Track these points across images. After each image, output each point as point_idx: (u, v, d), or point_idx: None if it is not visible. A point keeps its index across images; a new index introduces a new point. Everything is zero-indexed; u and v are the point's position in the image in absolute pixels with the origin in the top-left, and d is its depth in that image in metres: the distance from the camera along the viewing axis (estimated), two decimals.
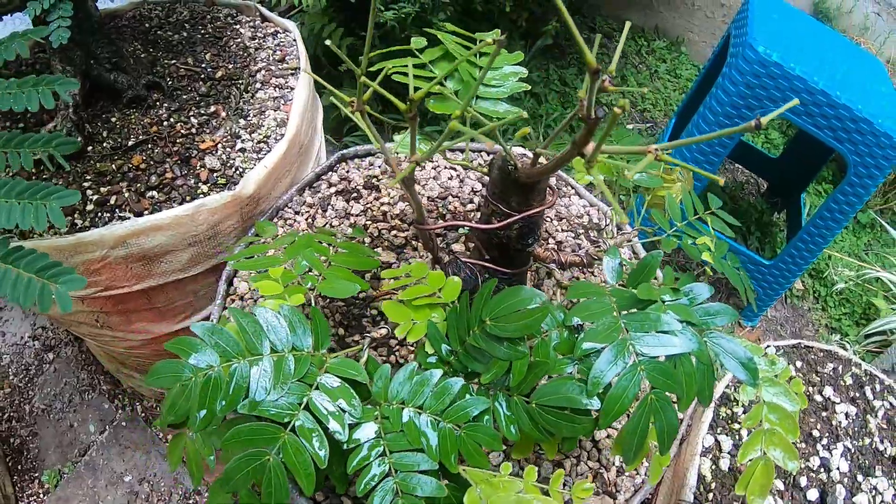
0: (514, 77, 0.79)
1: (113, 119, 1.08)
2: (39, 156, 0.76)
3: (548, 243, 0.88)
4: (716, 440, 0.89)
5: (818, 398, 0.95)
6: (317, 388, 0.59)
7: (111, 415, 1.46)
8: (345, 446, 0.58)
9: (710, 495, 0.86)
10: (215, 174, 1.02)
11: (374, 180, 1.08)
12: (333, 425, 0.57)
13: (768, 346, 1.00)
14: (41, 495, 1.34)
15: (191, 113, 1.10)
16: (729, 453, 0.88)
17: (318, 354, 0.63)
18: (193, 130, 1.07)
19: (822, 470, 0.86)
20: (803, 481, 0.85)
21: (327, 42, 0.57)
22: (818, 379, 0.96)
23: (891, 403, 0.95)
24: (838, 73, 1.20)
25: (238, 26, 1.30)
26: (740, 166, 1.89)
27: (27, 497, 1.34)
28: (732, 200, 1.80)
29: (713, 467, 0.86)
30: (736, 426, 0.91)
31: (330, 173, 1.09)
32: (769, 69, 1.16)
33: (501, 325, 0.57)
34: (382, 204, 1.02)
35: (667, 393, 0.55)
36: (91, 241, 0.88)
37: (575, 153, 0.51)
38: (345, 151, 1.13)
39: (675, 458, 0.93)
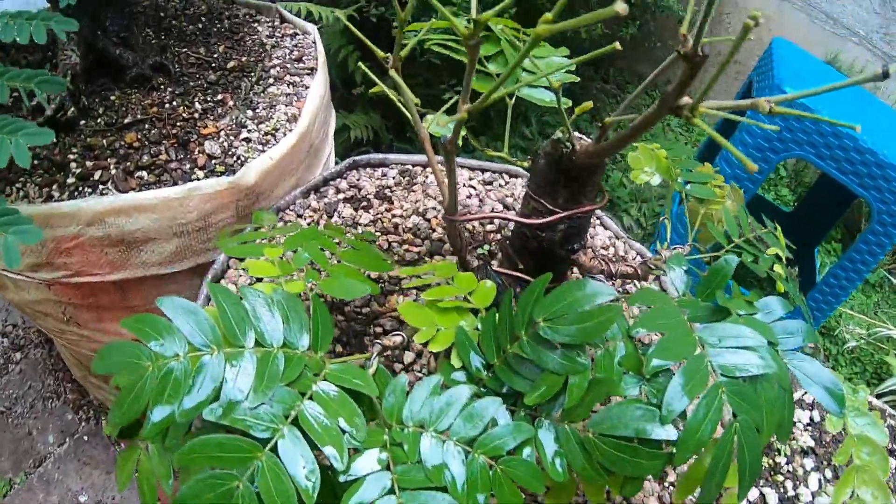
0: (561, 69, 0.67)
1: (112, 97, 0.95)
2: (19, 90, 0.61)
3: (595, 252, 0.73)
4: (760, 493, 0.73)
5: None
6: (311, 397, 0.43)
7: (73, 426, 1.26)
8: (341, 478, 0.41)
9: None
10: (214, 161, 0.87)
11: (387, 191, 0.95)
12: (329, 450, 0.41)
13: (804, 394, 0.85)
14: None
15: (196, 98, 0.96)
16: None
17: (315, 356, 0.47)
18: (196, 115, 0.94)
19: None
20: None
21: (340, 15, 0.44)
22: None
23: None
24: (862, 118, 1.11)
25: (256, 24, 1.18)
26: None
27: None
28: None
29: None
30: (780, 478, 0.75)
31: (339, 179, 0.95)
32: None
33: (558, 327, 0.42)
34: (394, 216, 0.88)
35: (751, 424, 0.41)
36: (65, 213, 0.73)
37: (667, 108, 0.38)
38: (357, 158, 0.99)
39: None
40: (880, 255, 1.15)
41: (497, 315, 0.47)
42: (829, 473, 0.76)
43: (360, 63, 0.62)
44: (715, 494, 0.42)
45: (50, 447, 1.22)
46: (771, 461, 0.77)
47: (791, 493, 0.73)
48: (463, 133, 0.61)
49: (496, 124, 1.80)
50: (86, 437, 1.24)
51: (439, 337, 0.49)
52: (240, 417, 0.41)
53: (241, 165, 0.86)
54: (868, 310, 1.54)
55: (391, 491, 0.41)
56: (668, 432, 0.41)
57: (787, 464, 0.77)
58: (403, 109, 0.54)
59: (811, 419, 0.83)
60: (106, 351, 0.42)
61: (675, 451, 0.42)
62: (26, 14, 0.64)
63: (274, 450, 0.40)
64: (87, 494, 1.17)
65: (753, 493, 0.73)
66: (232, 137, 0.91)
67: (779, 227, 0.67)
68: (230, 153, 0.89)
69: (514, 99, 0.65)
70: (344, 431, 0.43)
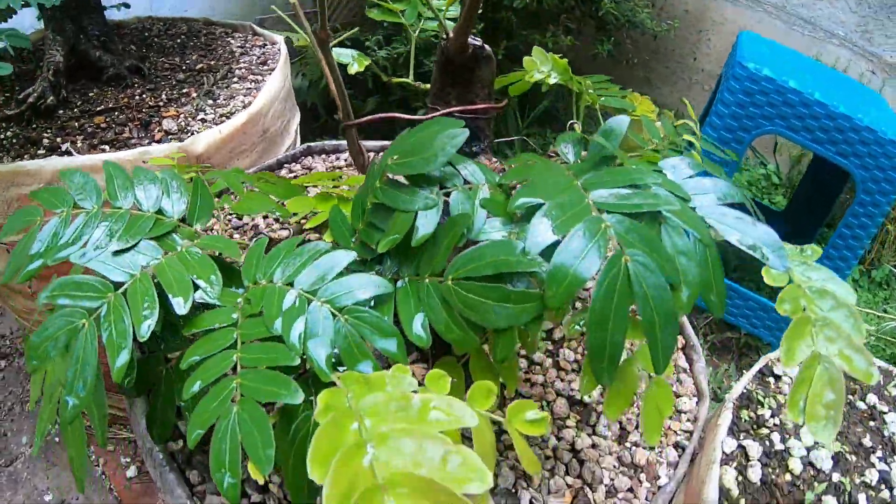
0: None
1: (90, 93, 1.03)
2: None
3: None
4: (740, 445, 0.65)
5: (861, 405, 0.72)
6: (177, 257, 0.42)
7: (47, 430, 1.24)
8: (181, 326, 0.39)
9: None
10: (170, 136, 0.92)
11: (336, 171, 0.97)
12: (177, 299, 0.40)
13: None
14: None
15: (163, 92, 1.03)
16: (759, 461, 0.63)
17: (190, 229, 0.46)
18: (161, 104, 1.00)
19: (882, 486, 0.61)
20: (862, 499, 0.60)
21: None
22: (857, 387, 0.73)
23: None
24: (834, 90, 1.08)
25: (230, 39, 1.28)
26: None
27: None
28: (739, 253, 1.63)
29: (739, 478, 0.61)
30: (764, 431, 0.67)
31: (293, 163, 0.99)
32: (761, 84, 1.06)
33: (405, 160, 0.40)
34: (342, 190, 0.89)
35: (653, 266, 0.35)
36: (29, 170, 0.80)
37: None
38: (312, 144, 1.04)
39: (688, 476, 0.68)
40: (871, 227, 1.08)
41: (365, 182, 0.46)
42: None
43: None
44: (611, 354, 0.36)
45: (22, 447, 1.21)
46: (752, 414, 0.69)
47: (779, 446, 0.65)
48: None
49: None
50: (57, 440, 1.23)
51: (317, 218, 0.48)
52: (101, 261, 0.41)
53: None
54: (876, 307, 1.42)
55: (233, 346, 0.39)
56: (539, 265, 0.36)
57: (771, 416, 0.69)
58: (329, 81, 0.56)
59: None
60: (13, 215, 0.44)
61: (545, 290, 0.36)
62: None
63: (125, 294, 0.40)
64: (53, 494, 1.15)
65: (730, 444, 0.65)
66: (190, 119, 0.96)
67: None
68: (186, 130, 0.93)
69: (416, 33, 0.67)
70: (198, 287, 0.41)
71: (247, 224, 0.84)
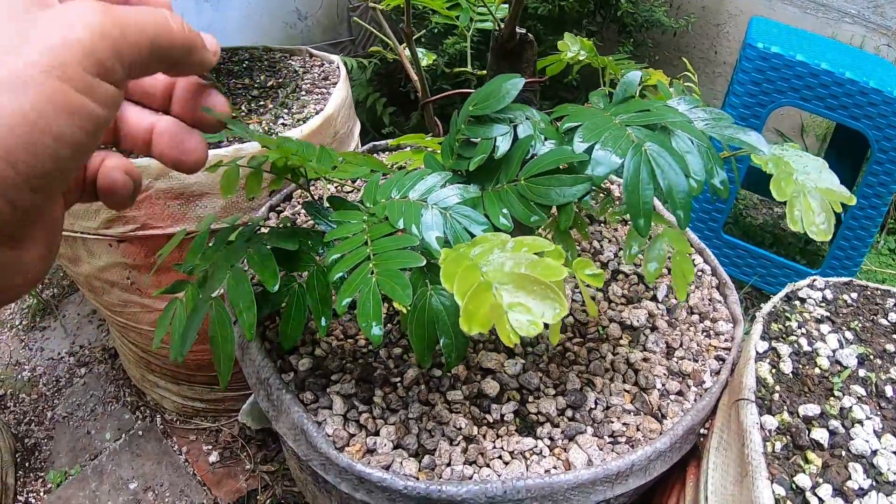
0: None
1: None
2: None
3: None
4: (772, 347, 0.82)
5: (884, 322, 0.87)
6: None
7: (129, 424, 1.46)
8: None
9: (776, 397, 0.78)
10: None
11: (399, 164, 1.20)
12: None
13: (815, 279, 0.94)
14: (41, 493, 1.31)
15: (242, 105, 1.29)
16: (790, 358, 0.81)
17: None
18: (243, 114, 1.25)
19: None
20: (889, 391, 0.76)
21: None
22: (878, 307, 0.89)
23: None
24: (840, 59, 1.28)
25: (290, 61, 1.54)
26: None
27: (27, 493, 1.31)
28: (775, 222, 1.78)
29: (773, 371, 0.79)
30: (792, 338, 0.84)
31: None
32: (771, 61, 1.26)
33: (481, 105, 0.62)
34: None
35: (666, 154, 0.54)
36: (140, 166, 1.01)
37: None
38: (376, 143, 1.26)
39: (729, 381, 0.85)
40: (891, 184, 1.24)
41: (449, 132, 0.67)
42: (849, 335, 0.81)
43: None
44: (646, 212, 0.52)
45: (106, 443, 1.42)
46: (781, 326, 0.85)
47: (807, 348, 0.79)
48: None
49: None
50: (140, 433, 1.44)
51: (414, 163, 0.70)
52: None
53: None
54: None
55: (365, 244, 0.59)
56: (579, 154, 0.55)
57: (798, 328, 0.85)
58: (409, 70, 0.79)
59: (824, 297, 0.90)
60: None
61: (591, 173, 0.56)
62: None
63: None
64: (137, 482, 1.34)
65: (763, 346, 0.82)
66: (271, 124, 1.21)
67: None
68: (270, 133, 1.18)
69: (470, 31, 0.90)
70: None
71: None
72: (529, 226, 0.59)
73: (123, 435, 1.43)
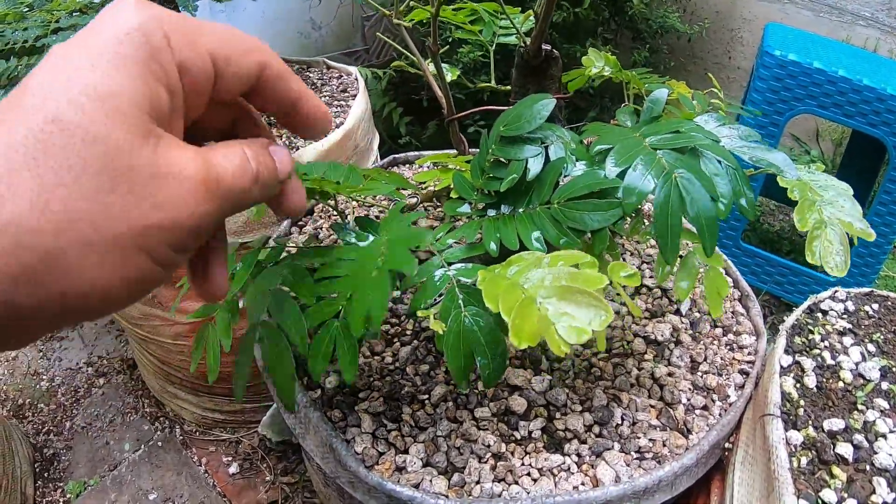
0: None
1: None
2: None
3: None
4: (795, 361, 0.84)
5: None
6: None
7: (149, 435, 1.49)
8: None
9: (800, 412, 0.79)
10: None
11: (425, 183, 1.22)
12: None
13: (837, 290, 0.95)
14: (60, 503, 1.34)
15: (262, 118, 1.32)
16: (813, 372, 0.82)
17: None
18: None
19: None
20: None
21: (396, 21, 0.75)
22: None
23: None
24: (858, 65, 1.29)
25: (308, 73, 1.57)
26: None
27: (46, 503, 1.34)
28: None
29: (797, 385, 0.80)
30: (816, 351, 0.85)
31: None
32: (788, 69, 1.27)
33: (512, 126, 0.64)
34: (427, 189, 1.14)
35: (695, 180, 0.56)
36: None
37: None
38: (397, 156, 1.28)
39: (754, 396, 0.86)
40: None
41: (479, 152, 0.70)
42: (871, 348, 0.83)
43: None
44: (675, 237, 0.54)
45: (125, 454, 1.45)
46: (804, 339, 0.87)
47: (830, 361, 0.79)
48: None
49: None
50: (160, 444, 1.46)
51: (442, 183, 0.73)
52: None
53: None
54: None
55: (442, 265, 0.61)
56: (612, 179, 0.57)
57: (821, 340, 0.87)
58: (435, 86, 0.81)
59: (846, 309, 0.92)
60: None
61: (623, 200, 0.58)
62: None
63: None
64: (157, 493, 1.37)
65: (787, 360, 0.83)
66: (293, 138, 1.23)
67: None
68: (292, 146, 1.20)
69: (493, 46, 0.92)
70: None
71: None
72: (559, 248, 0.61)
73: (143, 446, 1.46)
